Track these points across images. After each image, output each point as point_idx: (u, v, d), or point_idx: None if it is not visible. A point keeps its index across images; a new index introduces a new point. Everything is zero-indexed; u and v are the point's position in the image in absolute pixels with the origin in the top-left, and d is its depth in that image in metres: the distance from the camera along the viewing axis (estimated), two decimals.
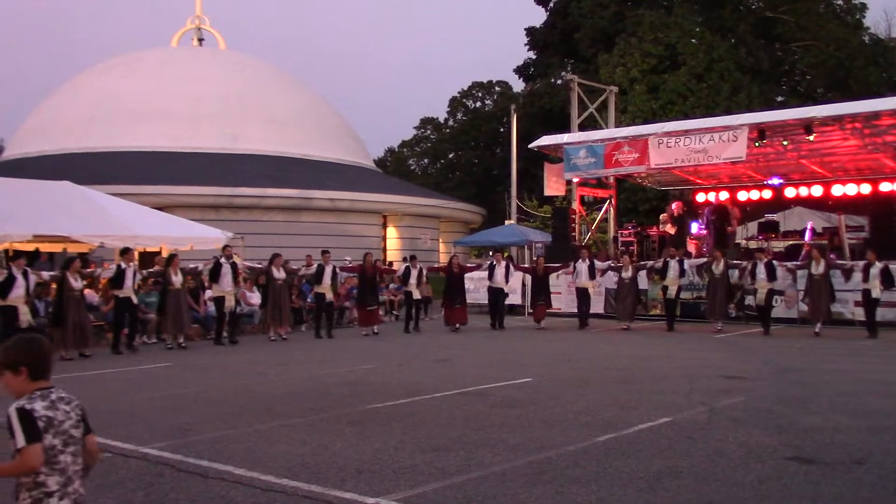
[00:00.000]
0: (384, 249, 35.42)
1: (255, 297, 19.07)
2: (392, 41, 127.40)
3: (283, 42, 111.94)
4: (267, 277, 17.81)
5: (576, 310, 20.10)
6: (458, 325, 18.91)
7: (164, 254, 17.94)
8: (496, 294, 19.72)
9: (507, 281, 19.89)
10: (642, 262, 20.79)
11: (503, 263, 19.88)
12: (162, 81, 37.75)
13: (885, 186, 22.80)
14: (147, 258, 18.60)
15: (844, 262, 18.39)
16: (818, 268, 16.93)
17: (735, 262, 18.96)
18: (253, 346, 16.04)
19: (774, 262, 18.13)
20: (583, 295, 19.71)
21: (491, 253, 24.99)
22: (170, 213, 24.14)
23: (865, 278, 16.40)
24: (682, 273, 18.73)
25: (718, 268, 18.12)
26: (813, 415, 8.25)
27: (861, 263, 17.12)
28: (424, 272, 19.56)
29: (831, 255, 18.83)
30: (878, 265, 16.33)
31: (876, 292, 16.29)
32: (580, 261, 19.98)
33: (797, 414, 8.30)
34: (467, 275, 20.31)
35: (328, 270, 18.23)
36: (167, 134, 35.48)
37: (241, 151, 35.86)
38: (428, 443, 7.00)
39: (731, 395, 9.35)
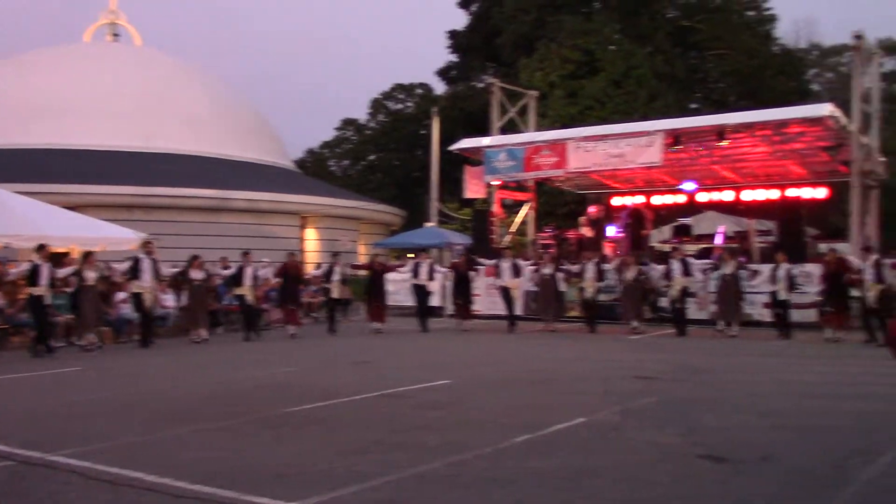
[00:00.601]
0: (303, 251, 35.03)
1: (170, 300, 18.64)
2: (312, 42, 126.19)
3: (202, 40, 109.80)
4: (186, 279, 17.46)
5: (496, 311, 20.21)
6: (379, 326, 18.79)
7: (75, 255, 17.37)
8: (421, 292, 19.70)
9: (430, 279, 19.97)
10: (561, 265, 21.02)
11: (427, 261, 20.03)
12: (74, 77, 36.57)
13: (792, 192, 23.60)
14: (56, 259, 17.97)
15: (752, 264, 18.95)
16: (727, 268, 17.41)
17: (644, 265, 19.27)
18: (168, 350, 15.68)
19: (688, 259, 18.58)
20: (507, 295, 19.59)
21: (413, 255, 25.02)
22: (81, 212, 23.38)
23: (773, 280, 16.91)
24: (599, 275, 18.99)
25: (630, 273, 18.48)
26: (723, 414, 8.48)
27: (768, 266, 17.68)
28: (345, 272, 19.50)
29: (741, 258, 19.38)
30: (785, 267, 16.84)
31: (783, 294, 16.80)
32: (503, 260, 20.04)
33: (708, 413, 8.51)
34: (390, 276, 20.23)
35: (248, 272, 17.94)
36: (79, 131, 34.37)
37: (157, 150, 35.01)
38: (346, 446, 6.94)
39: (645, 396, 9.53)
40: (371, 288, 19.26)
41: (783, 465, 6.33)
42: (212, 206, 32.15)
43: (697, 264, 18.91)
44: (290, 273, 18.35)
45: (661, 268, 18.45)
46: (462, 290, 19.75)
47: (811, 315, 18.02)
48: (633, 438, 7.25)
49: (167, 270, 17.86)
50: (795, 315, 17.52)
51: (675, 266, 17.86)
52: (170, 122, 36.33)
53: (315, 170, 56.04)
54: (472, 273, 20.17)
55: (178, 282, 18.39)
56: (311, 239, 36.43)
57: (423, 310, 19.61)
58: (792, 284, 16.80)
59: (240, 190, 32.92)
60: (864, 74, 21.32)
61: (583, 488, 5.67)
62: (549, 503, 5.35)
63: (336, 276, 18.87)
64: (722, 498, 5.48)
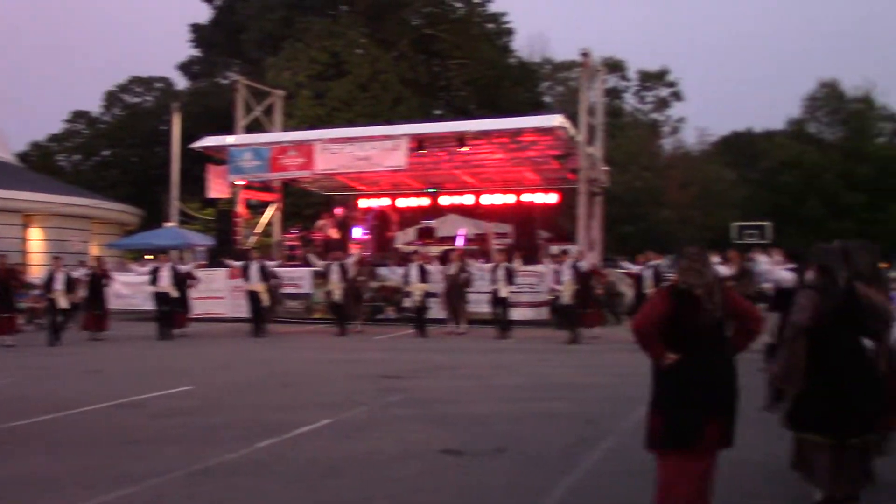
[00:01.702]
0: (26, 252, 32.21)
1: None
2: (38, 29, 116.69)
3: None
4: None
5: (240, 315, 19.54)
6: (98, 334, 17.51)
7: None
8: (161, 300, 17.79)
9: (174, 284, 17.96)
10: (308, 266, 20.88)
11: (168, 266, 18.17)
12: None
13: (526, 197, 25.05)
14: None
15: (474, 263, 19.60)
16: (451, 269, 18.05)
17: (384, 266, 19.51)
18: None
19: (427, 265, 18.89)
20: (255, 299, 18.51)
21: (151, 257, 23.76)
22: None
23: (494, 279, 17.46)
24: (344, 277, 18.95)
25: (353, 273, 18.82)
26: (462, 409, 8.82)
27: (489, 265, 18.43)
28: (72, 277, 17.80)
29: (480, 260, 20.24)
30: (504, 266, 17.41)
31: (503, 292, 17.33)
32: (251, 262, 19.03)
33: (449, 409, 8.82)
34: (123, 279, 18.97)
35: None
36: None
37: None
38: (76, 460, 6.45)
39: (390, 394, 9.69)
40: (90, 294, 17.82)
41: (516, 454, 6.68)
42: None
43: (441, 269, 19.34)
44: (2, 278, 16.52)
45: (400, 270, 18.75)
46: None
47: (541, 313, 19.10)
48: (379, 437, 7.34)
49: None
50: (526, 313, 18.59)
51: (413, 271, 18.24)
52: None
53: (41, 164, 51.71)
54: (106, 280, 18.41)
55: None
56: (37, 239, 33.54)
57: (166, 316, 17.85)
58: (511, 282, 17.36)
59: None
60: (590, 89, 23.05)
61: (328, 488, 5.66)
62: None
63: (58, 284, 17.04)
64: (461, 489, 5.68)
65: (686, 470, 4.56)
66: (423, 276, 18.20)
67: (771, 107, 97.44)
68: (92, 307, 17.70)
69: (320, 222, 25.50)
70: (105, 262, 20.01)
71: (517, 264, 17.29)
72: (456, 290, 17.96)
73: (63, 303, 17.09)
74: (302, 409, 8.74)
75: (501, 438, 7.23)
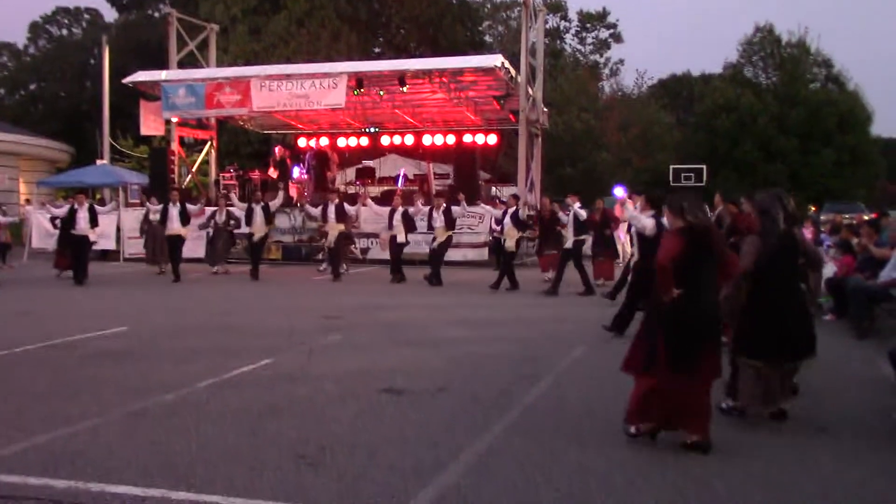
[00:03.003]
0: None
1: None
2: None
3: None
4: None
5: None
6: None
7: None
8: (78, 242, 16.43)
9: (93, 225, 16.59)
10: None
11: (85, 206, 16.54)
12: None
13: (467, 138, 24.96)
14: None
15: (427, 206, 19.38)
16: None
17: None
18: None
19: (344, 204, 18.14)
20: (175, 242, 17.20)
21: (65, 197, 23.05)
22: None
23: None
24: (267, 219, 17.87)
25: (221, 217, 18.57)
26: (403, 349, 8.85)
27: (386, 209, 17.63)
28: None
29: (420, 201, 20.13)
30: (400, 210, 16.59)
31: (401, 237, 16.60)
32: (171, 204, 17.41)
33: (390, 348, 8.85)
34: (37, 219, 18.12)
35: None
36: None
37: None
38: (5, 404, 6.32)
39: (330, 334, 9.69)
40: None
41: (457, 393, 6.75)
42: None
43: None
44: None
45: (316, 210, 17.94)
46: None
47: (482, 255, 19.19)
48: (319, 377, 7.35)
49: None
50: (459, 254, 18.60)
51: (330, 210, 17.29)
52: None
53: None
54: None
55: None
56: None
57: (81, 257, 16.47)
58: (410, 227, 16.61)
59: None
60: (531, 30, 22.90)
61: (267, 429, 5.65)
62: (230, 446, 5.26)
63: None
64: (400, 428, 5.72)
65: (681, 387, 5.22)
66: (339, 214, 17.30)
67: (709, 50, 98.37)
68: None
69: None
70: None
71: (462, 206, 16.55)
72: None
73: None
74: (241, 350, 8.67)
75: (441, 379, 7.30)
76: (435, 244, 16.03)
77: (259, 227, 17.74)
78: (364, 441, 5.38)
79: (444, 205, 16.24)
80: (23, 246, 22.21)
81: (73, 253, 16.43)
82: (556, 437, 5.54)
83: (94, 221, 16.47)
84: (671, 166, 26.44)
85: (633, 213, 9.86)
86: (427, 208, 16.63)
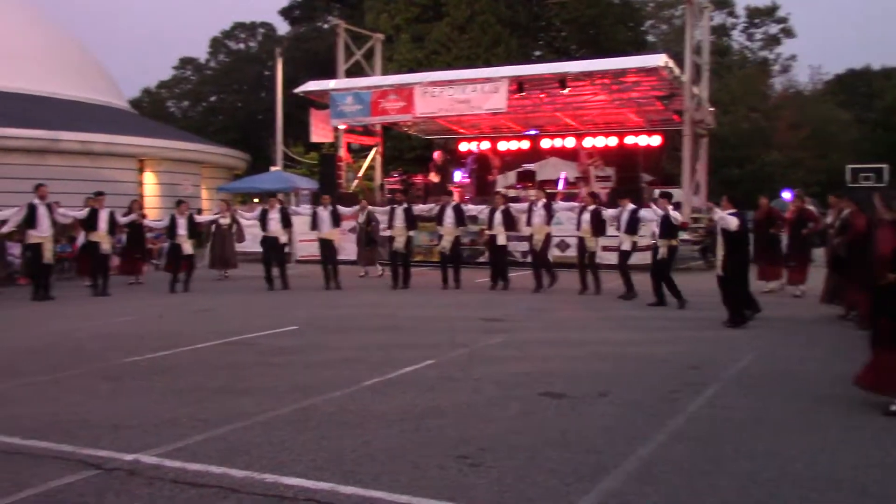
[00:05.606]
0: (142, 196, 33.52)
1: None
2: None
3: None
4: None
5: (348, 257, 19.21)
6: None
7: None
8: (270, 244, 16.53)
9: (285, 227, 16.67)
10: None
11: (277, 208, 16.75)
12: None
13: (629, 140, 24.53)
14: None
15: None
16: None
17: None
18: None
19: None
20: (327, 247, 16.78)
21: (258, 200, 24.37)
22: None
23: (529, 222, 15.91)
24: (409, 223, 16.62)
25: (362, 217, 18.72)
26: (563, 352, 8.81)
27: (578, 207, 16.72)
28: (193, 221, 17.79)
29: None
30: (501, 209, 16.08)
31: (501, 239, 15.98)
32: (321, 208, 17.02)
33: (550, 352, 8.83)
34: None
35: (103, 215, 15.57)
36: None
37: None
38: (190, 395, 6.76)
39: (491, 337, 9.77)
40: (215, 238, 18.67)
41: (618, 399, 6.65)
42: (38, 147, 30.08)
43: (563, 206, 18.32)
44: (138, 223, 17.41)
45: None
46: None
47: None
48: (479, 378, 7.42)
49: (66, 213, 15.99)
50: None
51: (497, 216, 16.12)
52: None
53: (152, 111, 53.41)
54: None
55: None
56: (151, 183, 34.89)
57: (276, 260, 16.54)
58: (510, 227, 15.98)
59: (71, 131, 30.94)
60: (696, 27, 22.27)
61: (429, 428, 5.76)
62: (395, 444, 5.40)
63: (181, 230, 16.15)
64: (560, 432, 5.70)
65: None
66: (460, 219, 16.55)
67: (890, 43, 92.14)
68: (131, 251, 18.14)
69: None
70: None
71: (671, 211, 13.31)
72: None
73: (188, 248, 16.29)
74: (404, 350, 8.88)
75: (602, 383, 7.21)
76: (659, 255, 13.09)
77: (398, 231, 16.42)
78: (525, 443, 5.39)
79: (631, 206, 14.57)
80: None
81: (264, 255, 16.67)
82: (721, 445, 5.36)
83: (285, 222, 16.61)
84: (848, 166, 24.98)
85: (721, 215, 10.60)
86: (616, 210, 14.95)
